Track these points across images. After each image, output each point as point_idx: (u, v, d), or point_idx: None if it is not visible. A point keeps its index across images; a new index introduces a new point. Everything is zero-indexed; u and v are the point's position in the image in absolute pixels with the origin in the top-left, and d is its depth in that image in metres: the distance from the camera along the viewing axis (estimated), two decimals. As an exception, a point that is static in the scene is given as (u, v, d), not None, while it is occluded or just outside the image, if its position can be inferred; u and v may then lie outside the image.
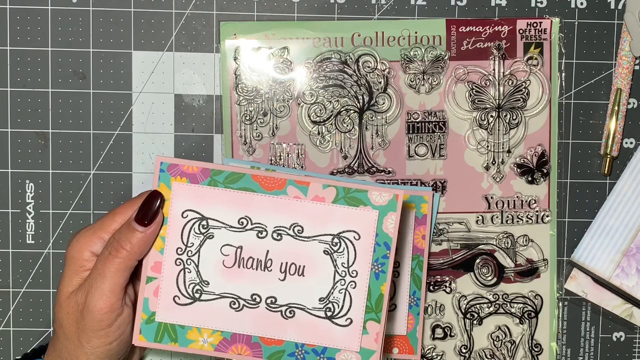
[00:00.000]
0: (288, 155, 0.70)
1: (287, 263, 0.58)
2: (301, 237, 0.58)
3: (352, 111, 0.70)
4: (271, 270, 0.58)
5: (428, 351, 0.71)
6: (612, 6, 0.71)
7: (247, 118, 0.69)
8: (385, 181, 0.70)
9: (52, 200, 0.70)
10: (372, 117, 0.70)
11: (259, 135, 0.69)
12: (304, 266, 0.58)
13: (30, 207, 0.70)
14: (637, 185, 0.70)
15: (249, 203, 0.58)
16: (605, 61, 0.71)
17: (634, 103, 0.72)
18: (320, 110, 0.70)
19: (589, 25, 0.71)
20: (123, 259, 0.57)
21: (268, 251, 0.58)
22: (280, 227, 0.58)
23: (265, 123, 0.69)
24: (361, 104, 0.70)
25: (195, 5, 0.69)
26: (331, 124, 0.70)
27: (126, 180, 0.70)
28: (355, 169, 0.70)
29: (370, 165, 0.70)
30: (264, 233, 0.58)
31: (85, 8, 0.69)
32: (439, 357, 0.72)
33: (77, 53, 0.69)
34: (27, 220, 0.70)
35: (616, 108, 0.70)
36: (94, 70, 0.69)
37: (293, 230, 0.58)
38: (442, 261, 0.71)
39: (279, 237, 0.58)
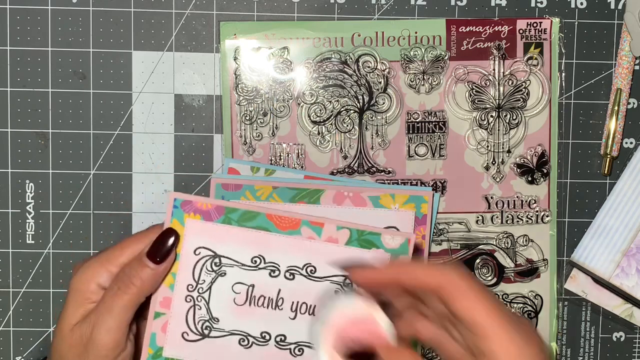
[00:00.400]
0: (288, 155, 0.70)
1: (298, 302, 0.58)
2: (313, 277, 0.58)
3: (352, 111, 0.70)
4: (282, 309, 0.58)
5: (428, 351, 0.71)
6: (612, 6, 0.71)
7: (247, 118, 0.69)
8: (385, 181, 0.70)
9: (52, 200, 0.70)
10: (372, 117, 0.70)
11: (259, 135, 0.69)
12: (314, 306, 0.58)
13: (30, 207, 0.70)
14: (637, 185, 0.70)
15: (263, 242, 0.58)
16: (605, 61, 0.71)
17: (634, 103, 0.72)
18: (320, 110, 0.70)
19: (589, 25, 0.71)
20: (132, 295, 0.55)
21: (280, 290, 0.58)
22: (293, 267, 0.58)
23: (265, 123, 0.69)
24: (361, 104, 0.70)
25: (195, 5, 0.69)
26: (331, 124, 0.70)
27: (126, 180, 0.70)
28: (355, 169, 0.70)
29: (370, 165, 0.70)
30: (277, 272, 0.58)
31: (85, 8, 0.69)
32: (439, 357, 0.72)
33: (77, 53, 0.69)
34: (27, 220, 0.70)
35: (616, 108, 0.70)
36: (94, 70, 0.69)
37: (306, 270, 0.58)
38: (442, 261, 0.71)
39: (292, 276, 0.58)
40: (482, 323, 0.47)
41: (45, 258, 0.70)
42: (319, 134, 0.70)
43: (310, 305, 0.58)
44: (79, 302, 0.57)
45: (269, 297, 0.58)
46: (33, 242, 0.70)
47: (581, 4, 0.71)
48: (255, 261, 0.58)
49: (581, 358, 0.73)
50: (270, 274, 0.58)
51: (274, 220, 0.58)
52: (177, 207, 0.57)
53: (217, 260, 0.58)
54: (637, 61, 0.71)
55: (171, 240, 0.57)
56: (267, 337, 0.58)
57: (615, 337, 0.73)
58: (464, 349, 0.50)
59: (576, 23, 0.71)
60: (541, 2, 0.70)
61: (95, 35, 0.69)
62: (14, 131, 0.69)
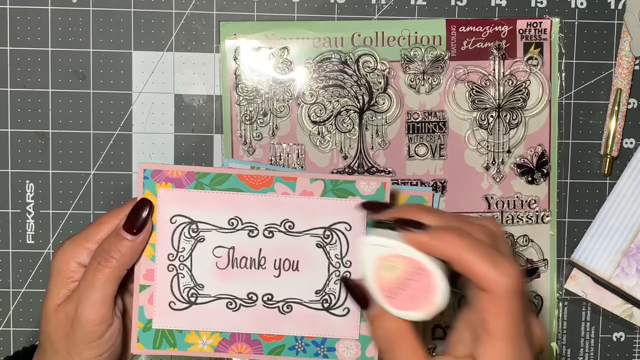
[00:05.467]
0: (288, 155, 0.70)
1: (280, 259, 0.58)
2: (293, 232, 0.58)
3: (352, 111, 0.70)
4: (265, 267, 0.58)
5: (428, 351, 0.71)
6: (612, 6, 0.71)
7: (247, 118, 0.69)
8: (385, 181, 0.70)
9: (52, 200, 0.70)
10: (372, 117, 0.70)
11: (259, 135, 0.69)
12: (297, 261, 0.58)
13: (30, 207, 0.70)
14: (637, 185, 0.70)
15: (238, 203, 0.58)
16: (605, 61, 0.71)
17: (634, 103, 0.72)
18: (320, 110, 0.70)
19: (589, 25, 0.71)
20: (113, 269, 0.55)
21: (261, 249, 0.58)
22: (271, 224, 0.58)
23: (265, 123, 0.69)
24: (361, 104, 0.70)
25: (195, 5, 0.69)
26: (331, 124, 0.70)
27: (126, 180, 0.70)
28: (355, 169, 0.70)
29: (370, 165, 0.70)
30: (255, 232, 0.58)
31: (85, 8, 0.69)
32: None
33: (77, 53, 0.69)
34: (27, 220, 0.70)
35: (616, 108, 0.70)
36: (94, 70, 0.69)
37: (284, 226, 0.58)
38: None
39: (271, 234, 0.58)
40: (494, 327, 0.48)
41: (45, 258, 0.70)
42: (319, 134, 0.70)
43: (293, 261, 0.58)
44: (61, 282, 0.57)
45: (251, 258, 0.58)
46: (33, 242, 0.70)
47: (581, 4, 0.71)
48: (233, 223, 0.58)
49: (581, 358, 0.73)
50: (249, 234, 0.58)
51: (246, 180, 0.58)
52: (148, 178, 0.57)
53: (194, 226, 0.58)
54: (637, 61, 0.71)
55: (146, 211, 0.57)
56: (254, 297, 0.59)
57: (615, 337, 0.73)
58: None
59: (576, 23, 0.71)
60: (541, 2, 0.70)
61: (95, 35, 0.69)
62: (14, 131, 0.69)
